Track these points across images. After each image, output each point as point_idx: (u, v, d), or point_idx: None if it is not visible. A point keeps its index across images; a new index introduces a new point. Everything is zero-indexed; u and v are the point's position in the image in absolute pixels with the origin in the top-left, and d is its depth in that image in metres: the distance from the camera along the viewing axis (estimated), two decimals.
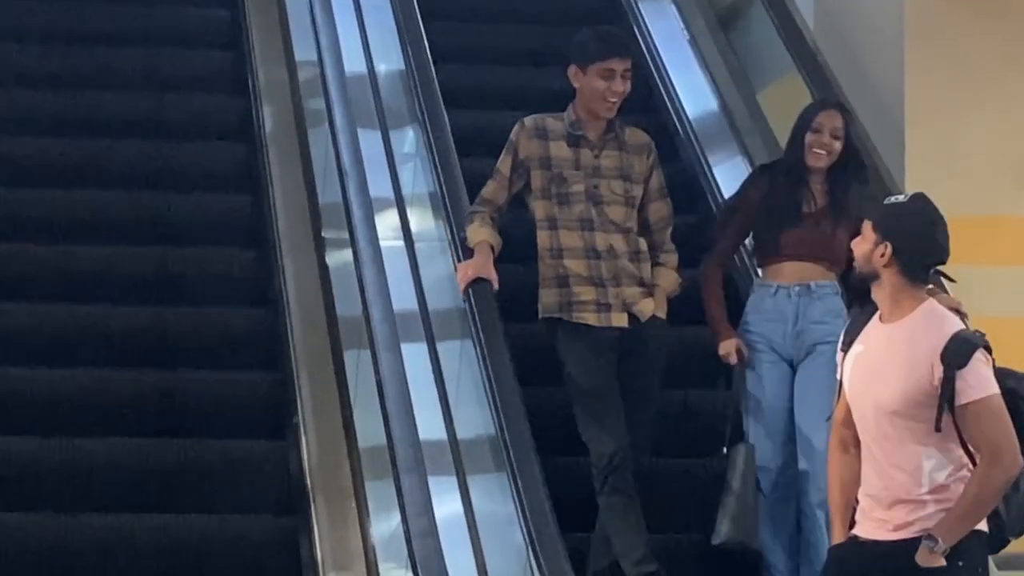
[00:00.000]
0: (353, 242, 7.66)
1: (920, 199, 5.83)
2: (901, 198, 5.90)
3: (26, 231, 8.80)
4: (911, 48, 8.78)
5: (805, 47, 9.01)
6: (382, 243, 7.66)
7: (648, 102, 9.69)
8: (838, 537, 5.84)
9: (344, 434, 7.42)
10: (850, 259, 5.90)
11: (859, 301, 5.95)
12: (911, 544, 5.58)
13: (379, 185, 8.19)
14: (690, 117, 9.52)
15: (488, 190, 7.10)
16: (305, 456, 7.46)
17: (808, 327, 7.02)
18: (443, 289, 7.76)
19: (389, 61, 9.00)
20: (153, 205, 8.94)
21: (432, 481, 6.50)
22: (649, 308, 6.99)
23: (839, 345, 5.87)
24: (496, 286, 6.86)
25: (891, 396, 5.60)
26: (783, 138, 8.87)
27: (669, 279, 7.12)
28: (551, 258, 7.01)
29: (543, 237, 7.03)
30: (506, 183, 7.07)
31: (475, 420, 7.17)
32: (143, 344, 8.19)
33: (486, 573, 6.60)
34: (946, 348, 5.54)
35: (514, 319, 7.19)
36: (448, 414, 7.24)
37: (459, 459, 7.11)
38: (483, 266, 6.89)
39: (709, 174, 9.08)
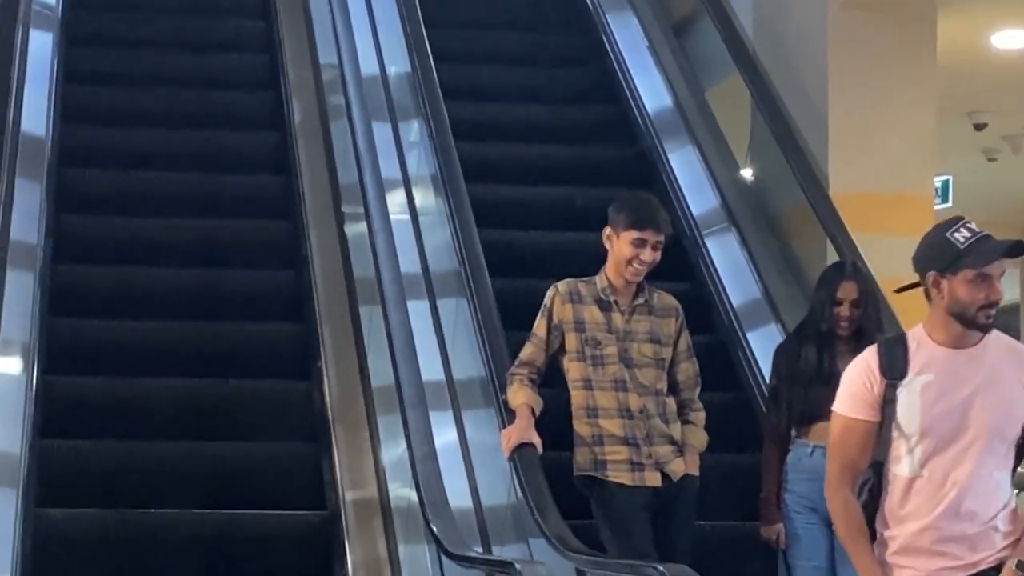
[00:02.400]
0: (367, 215, 7.79)
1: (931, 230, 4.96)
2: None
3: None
4: (833, 51, 8.64)
5: (745, 52, 8.99)
6: (391, 216, 7.81)
7: (613, 96, 9.81)
8: (872, 572, 4.82)
9: (359, 375, 7.44)
10: None
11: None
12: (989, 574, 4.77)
13: (389, 168, 8.33)
14: (648, 110, 9.46)
15: (526, 353, 6.39)
16: (327, 394, 7.44)
17: None
18: (441, 255, 7.86)
19: (397, 64, 9.07)
20: (202, 183, 8.91)
21: (432, 415, 6.69)
22: (681, 468, 6.29)
23: (875, 376, 4.81)
24: (540, 449, 6.18)
25: (1005, 420, 4.75)
26: (728, 130, 9.25)
27: (699, 437, 6.43)
28: (587, 417, 6.28)
29: (578, 396, 6.32)
30: (543, 345, 6.36)
31: (468, 364, 7.27)
32: (195, 298, 8.15)
33: (477, 491, 6.81)
34: None
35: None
36: (446, 359, 7.40)
37: (455, 396, 7.23)
38: (526, 431, 6.20)
39: (664, 159, 9.13)
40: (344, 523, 6.82)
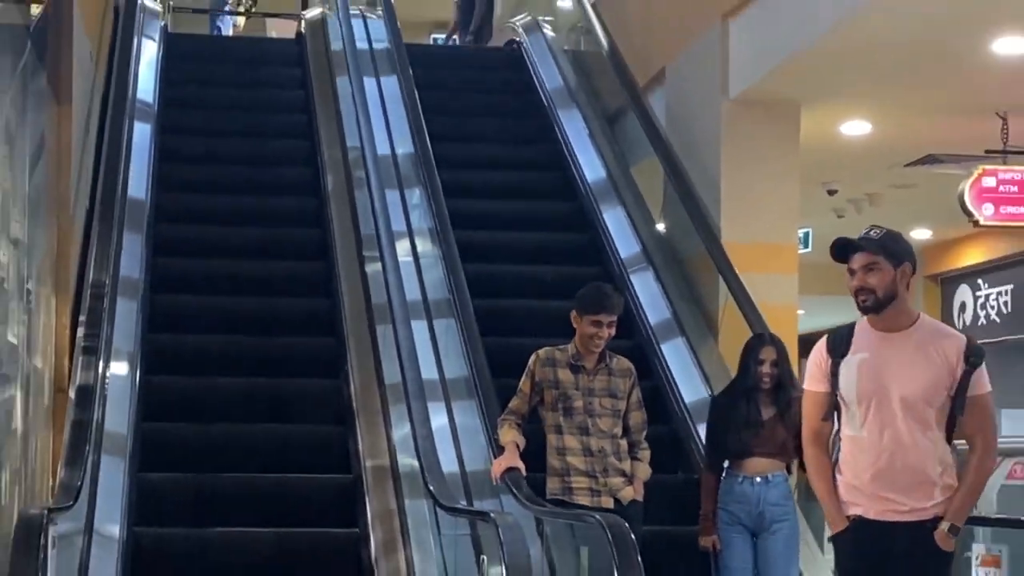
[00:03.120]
0: (381, 257, 7.90)
1: (887, 230, 4.66)
2: (877, 230, 4.66)
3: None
4: (724, 137, 8.71)
5: (659, 138, 8.99)
6: (399, 258, 7.93)
7: (560, 167, 9.76)
8: (838, 522, 4.65)
9: (375, 375, 7.33)
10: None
11: (872, 313, 4.62)
12: (929, 525, 4.54)
13: (397, 222, 8.35)
14: (588, 179, 9.48)
15: (513, 404, 6.19)
16: (352, 389, 7.37)
17: (767, 508, 6.22)
18: (437, 286, 7.83)
19: (404, 145, 9.03)
20: (263, 236, 8.85)
21: (429, 404, 6.84)
22: (629, 494, 6.12)
23: (823, 356, 4.66)
24: (524, 472, 6.00)
25: (925, 385, 4.51)
26: (646, 194, 9.21)
27: (644, 471, 6.23)
28: (557, 455, 6.12)
29: (552, 438, 6.15)
30: (526, 399, 6.17)
31: (456, 367, 7.29)
32: (259, 318, 8.11)
33: (462, 460, 6.81)
34: (970, 349, 4.54)
35: None
36: (439, 363, 7.38)
37: (446, 391, 7.21)
38: (511, 459, 6.01)
39: (599, 214, 9.16)
40: (365, 484, 6.77)
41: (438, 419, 6.90)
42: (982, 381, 4.59)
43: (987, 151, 9.77)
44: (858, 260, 4.58)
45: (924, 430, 4.54)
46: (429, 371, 7.20)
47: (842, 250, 4.63)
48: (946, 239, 14.32)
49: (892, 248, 4.59)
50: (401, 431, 6.85)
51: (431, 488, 6.10)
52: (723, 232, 8.52)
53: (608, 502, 6.07)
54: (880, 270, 4.55)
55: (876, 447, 4.55)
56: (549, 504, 5.98)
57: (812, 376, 4.71)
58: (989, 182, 9.65)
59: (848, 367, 4.60)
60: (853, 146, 10.28)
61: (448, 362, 7.36)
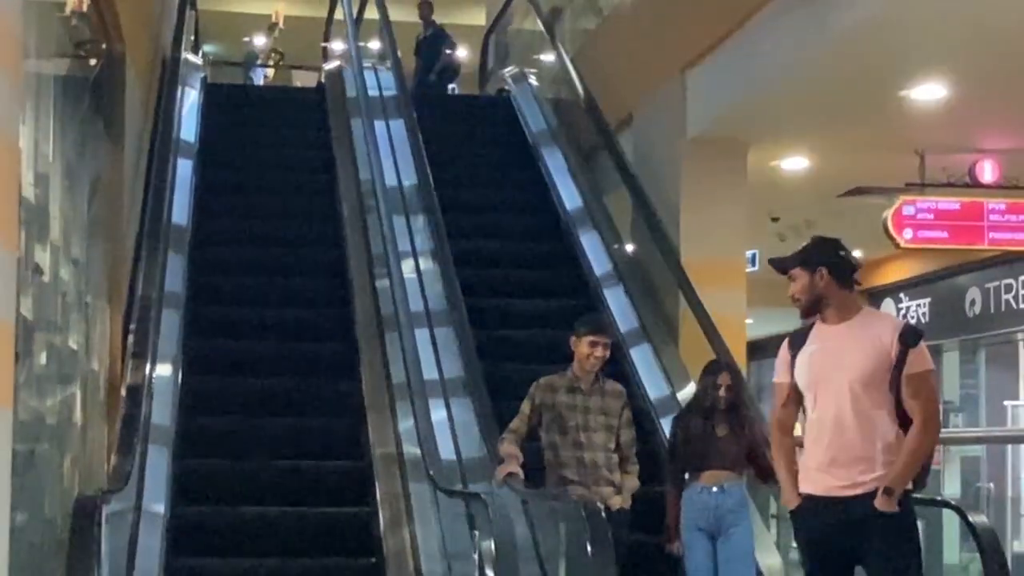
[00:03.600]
0: (389, 273, 7.84)
1: (821, 237, 4.62)
2: (807, 244, 4.61)
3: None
4: (684, 174, 8.75)
5: (628, 172, 8.87)
6: (404, 274, 7.82)
7: (545, 202, 9.64)
8: (792, 499, 4.47)
9: (384, 376, 7.28)
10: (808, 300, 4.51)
11: (806, 316, 4.56)
12: (868, 497, 4.30)
13: (403, 244, 8.27)
14: (567, 208, 9.41)
15: (515, 424, 5.99)
16: (364, 388, 7.29)
17: (724, 515, 6.02)
18: (437, 299, 7.72)
19: (409, 178, 8.93)
20: (289, 256, 8.62)
21: (430, 401, 6.83)
22: (617, 503, 5.91)
23: (785, 352, 4.54)
24: (522, 477, 5.79)
25: (863, 369, 4.32)
26: (619, 223, 9.10)
27: (632, 483, 6.03)
28: (554, 468, 5.94)
29: (549, 454, 5.97)
30: (526, 419, 5.97)
31: (453, 369, 7.20)
32: (284, 326, 7.94)
33: (459, 450, 6.74)
34: (903, 331, 4.35)
35: None
36: (439, 365, 7.31)
37: (445, 389, 7.13)
38: (511, 467, 5.79)
39: (577, 237, 9.09)
40: (374, 469, 6.72)
41: (438, 413, 6.86)
42: (920, 359, 4.35)
43: (907, 184, 9.75)
44: (789, 273, 4.55)
45: (867, 410, 4.34)
46: (430, 372, 7.16)
47: (776, 267, 4.62)
48: (873, 259, 14.34)
49: (807, 258, 4.50)
50: (406, 424, 6.82)
51: (431, 473, 6.08)
52: (682, 252, 8.49)
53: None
54: (797, 279, 4.49)
55: (823, 429, 4.39)
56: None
57: (777, 369, 4.59)
58: (909, 210, 9.63)
59: (801, 359, 4.48)
60: (793, 179, 10.29)
61: (446, 364, 7.30)
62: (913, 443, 4.33)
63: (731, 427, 6.18)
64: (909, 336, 4.36)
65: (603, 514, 5.29)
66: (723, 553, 6.06)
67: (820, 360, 4.44)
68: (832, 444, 4.37)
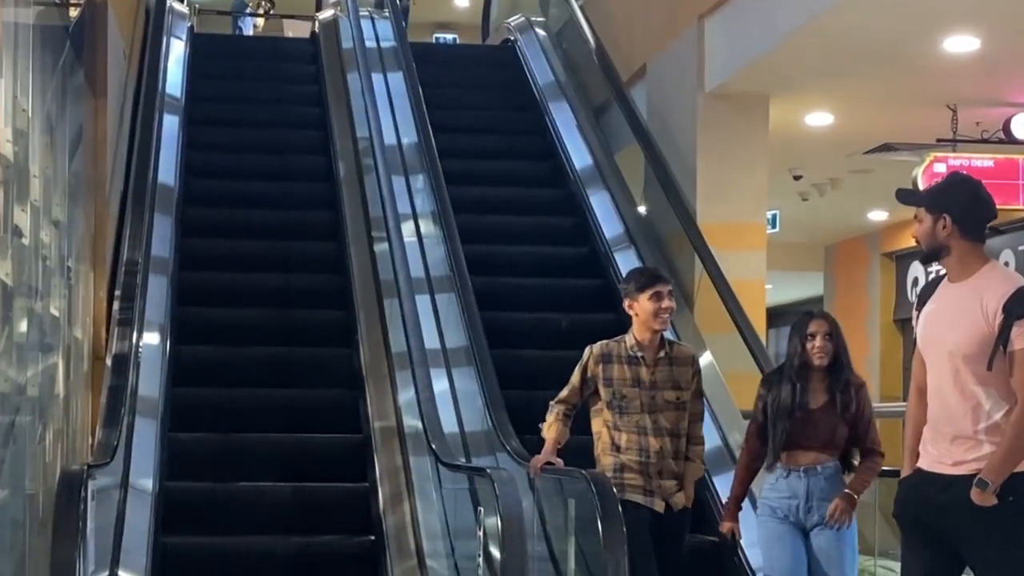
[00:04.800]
0: (388, 237, 7.87)
1: (958, 175, 4.27)
2: (939, 180, 4.21)
3: None
4: (700, 127, 8.65)
5: (641, 128, 8.90)
6: (404, 238, 7.84)
7: (551, 153, 9.65)
8: (907, 471, 4.13)
9: (383, 343, 7.31)
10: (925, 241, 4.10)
11: (927, 263, 4.18)
12: (966, 480, 3.92)
13: (403, 205, 8.26)
14: (575, 166, 9.36)
15: (564, 393, 5.35)
16: (362, 357, 7.32)
17: (817, 503, 5.08)
18: (438, 264, 7.77)
19: (409, 136, 8.93)
20: (282, 218, 8.76)
21: (432, 371, 6.78)
22: (681, 501, 5.25)
23: (915, 308, 4.18)
24: (561, 463, 5.28)
25: (963, 340, 3.95)
26: (629, 179, 9.07)
27: (696, 470, 5.33)
28: (611, 452, 5.25)
29: (605, 435, 5.28)
30: (577, 391, 5.30)
31: (456, 337, 7.24)
32: (278, 293, 8.06)
33: (461, 421, 6.78)
34: (1010, 299, 3.92)
35: None
36: (441, 334, 7.36)
37: (447, 358, 7.17)
38: (549, 456, 5.27)
39: (586, 198, 9.05)
40: (374, 443, 6.74)
41: (440, 384, 6.86)
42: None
43: (938, 140, 9.81)
44: (916, 213, 4.15)
45: (969, 385, 3.97)
46: (432, 340, 7.17)
47: (902, 201, 4.22)
48: (901, 220, 14.32)
49: (934, 199, 4.09)
50: (406, 395, 6.83)
51: (433, 446, 6.08)
52: (698, 214, 8.48)
53: (660, 505, 5.24)
54: (920, 221, 4.08)
55: (932, 399, 4.07)
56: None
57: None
58: (940, 168, 9.62)
59: (921, 317, 4.14)
60: (816, 136, 10.27)
61: (448, 333, 7.33)
62: (1011, 429, 3.90)
63: (831, 395, 5.17)
64: (1015, 306, 3.91)
65: (662, 514, 5.06)
66: (817, 552, 5.12)
67: (932, 322, 4.09)
68: (936, 417, 4.06)
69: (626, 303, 5.38)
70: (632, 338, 5.34)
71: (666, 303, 5.29)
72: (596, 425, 5.38)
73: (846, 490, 5.11)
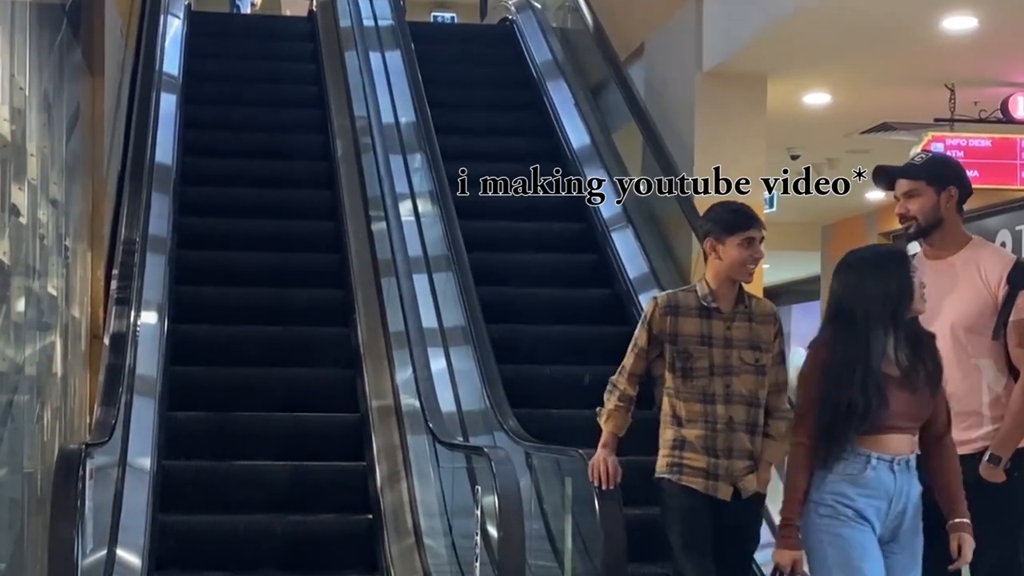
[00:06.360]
0: (386, 216, 7.89)
1: (940, 155, 4.05)
2: (921, 156, 4.11)
3: None
4: (697, 107, 8.64)
5: (639, 107, 8.87)
6: (402, 217, 7.86)
7: (548, 131, 9.58)
8: None
9: (380, 323, 7.27)
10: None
11: (914, 239, 4.04)
12: (974, 459, 3.83)
13: (400, 185, 8.25)
14: (573, 145, 9.32)
15: (628, 362, 4.44)
16: (360, 336, 7.30)
17: (909, 507, 3.81)
18: (436, 243, 7.72)
19: (406, 114, 8.89)
20: (279, 198, 8.71)
21: (429, 350, 6.87)
22: (753, 485, 4.33)
23: None
24: (619, 470, 4.52)
25: (964, 311, 3.87)
26: (628, 161, 8.96)
27: (775, 452, 4.35)
28: (672, 424, 4.35)
29: (667, 404, 4.39)
30: (644, 354, 4.40)
31: (453, 316, 7.22)
32: (275, 272, 8.02)
33: (459, 400, 6.76)
34: (1013, 270, 3.88)
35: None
36: (439, 312, 7.33)
37: (444, 337, 7.14)
38: (608, 458, 4.49)
39: (583, 176, 8.93)
40: (371, 422, 6.73)
41: (437, 363, 6.86)
42: None
43: (936, 119, 9.76)
44: (900, 186, 4.07)
45: (971, 358, 3.89)
46: (429, 319, 7.17)
47: (886, 177, 4.10)
48: None
49: (935, 172, 4.02)
50: (404, 374, 6.83)
51: (431, 425, 6.09)
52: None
53: (726, 491, 4.32)
54: (920, 195, 3.99)
55: None
56: (539, 444, 5.61)
57: None
58: (937, 148, 9.59)
59: None
60: (814, 115, 10.24)
61: (446, 312, 7.32)
62: (1015, 401, 3.83)
63: (911, 363, 3.82)
64: (1018, 276, 3.88)
65: (727, 502, 4.25)
66: (900, 563, 3.86)
67: (928, 298, 3.85)
68: None
69: (706, 244, 4.44)
70: (706, 286, 4.43)
71: (758, 253, 4.42)
72: (661, 396, 4.50)
73: (959, 519, 3.80)
